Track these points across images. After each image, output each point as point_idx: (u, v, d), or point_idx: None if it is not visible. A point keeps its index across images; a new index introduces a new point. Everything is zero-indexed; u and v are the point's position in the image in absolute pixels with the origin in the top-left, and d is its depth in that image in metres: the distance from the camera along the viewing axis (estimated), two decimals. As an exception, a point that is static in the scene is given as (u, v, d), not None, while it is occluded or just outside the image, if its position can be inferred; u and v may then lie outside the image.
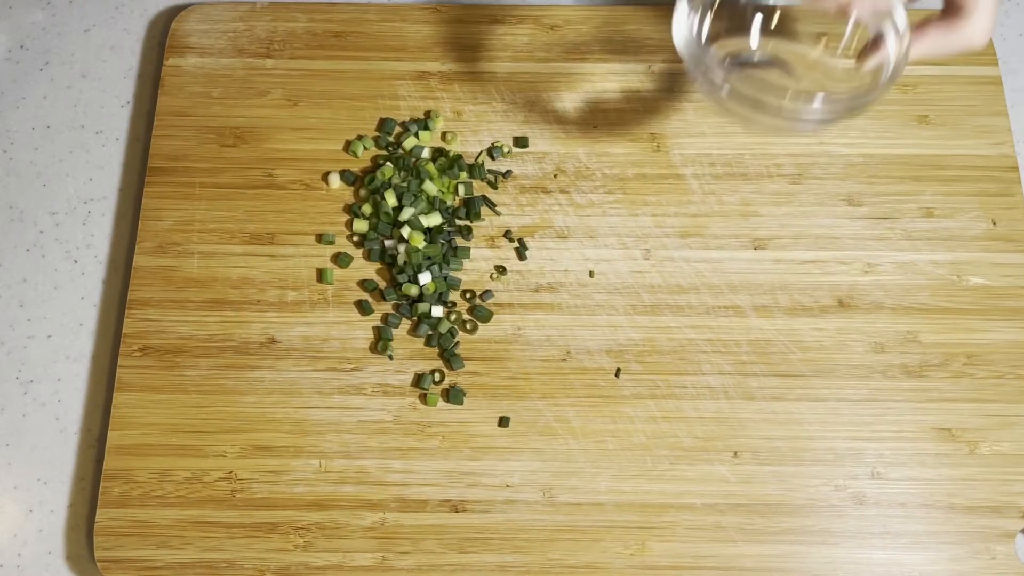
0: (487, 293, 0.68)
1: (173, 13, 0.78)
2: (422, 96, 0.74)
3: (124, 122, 0.75)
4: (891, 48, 0.58)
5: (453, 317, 0.67)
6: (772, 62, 0.61)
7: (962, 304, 0.68)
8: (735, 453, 0.64)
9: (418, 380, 0.66)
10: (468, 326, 0.67)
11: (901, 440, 0.65)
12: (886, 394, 0.66)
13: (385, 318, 0.68)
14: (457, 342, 0.67)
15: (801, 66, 0.61)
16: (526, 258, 0.69)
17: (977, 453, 0.64)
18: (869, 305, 0.68)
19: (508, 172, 0.71)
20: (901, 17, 0.58)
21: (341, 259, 0.69)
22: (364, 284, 0.69)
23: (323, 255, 0.69)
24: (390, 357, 0.66)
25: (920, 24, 0.58)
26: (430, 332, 0.67)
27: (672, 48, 0.74)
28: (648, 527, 0.63)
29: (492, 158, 0.72)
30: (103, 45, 0.78)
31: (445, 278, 0.68)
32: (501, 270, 0.69)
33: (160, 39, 0.78)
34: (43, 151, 0.74)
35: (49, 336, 0.69)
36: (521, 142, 0.72)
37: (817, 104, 0.57)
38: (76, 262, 0.71)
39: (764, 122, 0.59)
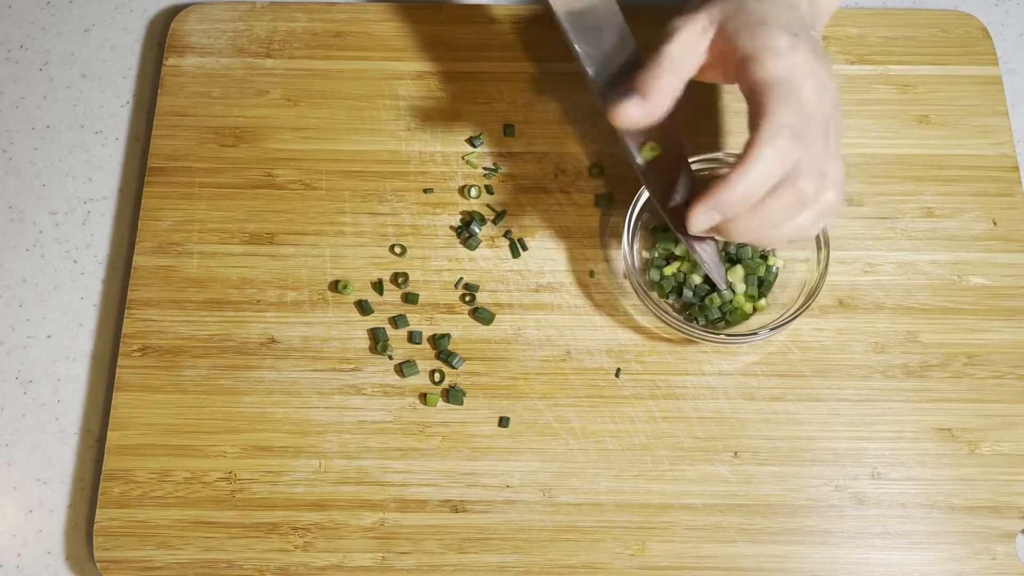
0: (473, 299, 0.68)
1: (173, 13, 0.78)
2: (422, 96, 0.74)
3: (124, 122, 0.75)
4: None
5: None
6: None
7: (962, 304, 0.68)
8: (735, 453, 0.64)
9: (410, 368, 0.66)
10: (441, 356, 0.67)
11: (901, 440, 0.65)
12: (886, 394, 0.66)
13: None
14: (447, 336, 0.67)
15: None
16: (519, 255, 0.69)
17: (977, 453, 0.64)
18: (869, 305, 0.68)
19: (496, 167, 0.71)
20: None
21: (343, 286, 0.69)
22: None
23: (322, 255, 0.69)
24: (390, 357, 0.66)
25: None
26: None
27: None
28: (648, 527, 0.63)
29: (474, 146, 0.72)
30: (103, 45, 0.78)
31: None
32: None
33: (160, 39, 0.77)
34: (43, 151, 0.74)
35: (49, 336, 0.69)
36: (509, 131, 0.72)
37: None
38: (76, 262, 0.71)
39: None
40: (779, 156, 0.54)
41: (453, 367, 0.66)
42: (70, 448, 0.66)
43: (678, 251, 0.67)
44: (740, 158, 0.55)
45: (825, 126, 0.56)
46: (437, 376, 0.66)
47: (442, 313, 0.68)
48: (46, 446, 0.67)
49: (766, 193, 0.55)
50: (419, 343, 0.67)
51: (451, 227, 0.70)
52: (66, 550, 0.64)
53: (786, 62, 0.55)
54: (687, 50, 0.58)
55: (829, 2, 0.64)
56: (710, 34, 0.58)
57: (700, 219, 0.56)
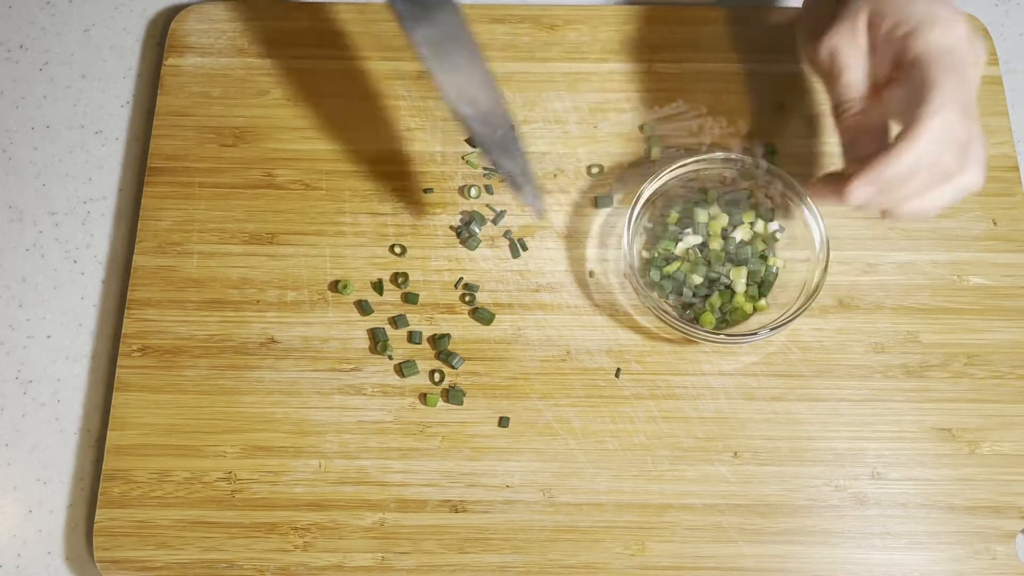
0: (471, 296, 0.68)
1: (172, 13, 0.78)
2: (422, 96, 0.74)
3: (124, 122, 0.75)
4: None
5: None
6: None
7: (962, 304, 0.68)
8: (735, 453, 0.64)
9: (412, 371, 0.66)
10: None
11: (901, 440, 0.65)
12: (886, 394, 0.66)
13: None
14: (447, 336, 0.67)
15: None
16: (519, 255, 0.69)
17: (977, 453, 0.64)
18: (869, 305, 0.68)
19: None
20: None
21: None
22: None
23: (322, 255, 0.69)
24: (390, 357, 0.66)
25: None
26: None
27: (673, 47, 0.75)
28: (648, 527, 0.63)
29: (474, 146, 0.72)
30: (103, 45, 0.78)
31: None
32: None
33: (160, 39, 0.77)
34: (42, 151, 0.74)
35: (49, 336, 0.69)
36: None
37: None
38: (76, 262, 0.71)
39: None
40: (947, 130, 0.53)
41: (453, 367, 0.66)
42: (70, 448, 0.66)
43: (678, 251, 0.67)
44: (905, 131, 0.54)
45: (974, 103, 0.55)
46: (437, 376, 0.66)
47: (442, 313, 0.68)
48: (46, 446, 0.66)
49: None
50: (419, 343, 0.67)
51: (451, 227, 0.70)
52: (66, 550, 0.64)
53: (950, 32, 0.55)
54: (853, 59, 0.58)
55: None
56: (862, 33, 0.58)
57: (859, 192, 0.56)
